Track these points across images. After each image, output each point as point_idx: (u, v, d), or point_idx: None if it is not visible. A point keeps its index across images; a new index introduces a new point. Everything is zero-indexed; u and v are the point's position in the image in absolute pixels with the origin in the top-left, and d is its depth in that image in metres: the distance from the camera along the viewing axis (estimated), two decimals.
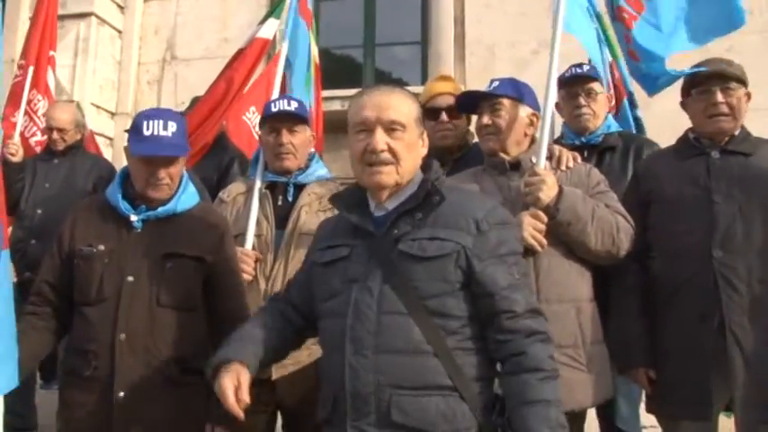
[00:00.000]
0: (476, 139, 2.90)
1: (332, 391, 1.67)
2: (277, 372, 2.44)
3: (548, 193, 2.27)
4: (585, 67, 2.99)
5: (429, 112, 2.84)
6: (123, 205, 2.22)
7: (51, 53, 4.24)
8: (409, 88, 5.43)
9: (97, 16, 6.05)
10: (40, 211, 3.64)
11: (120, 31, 6.32)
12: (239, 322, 2.15)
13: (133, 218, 2.20)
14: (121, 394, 2.09)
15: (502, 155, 2.45)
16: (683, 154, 2.48)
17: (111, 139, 6.13)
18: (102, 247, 2.18)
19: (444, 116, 2.88)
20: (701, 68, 2.47)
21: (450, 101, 2.87)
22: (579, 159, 2.54)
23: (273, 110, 2.61)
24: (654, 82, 2.86)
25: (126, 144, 2.26)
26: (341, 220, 1.84)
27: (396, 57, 6.68)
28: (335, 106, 5.70)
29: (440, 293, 1.64)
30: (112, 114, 6.19)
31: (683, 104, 2.54)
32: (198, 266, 2.23)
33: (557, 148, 2.58)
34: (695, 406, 2.23)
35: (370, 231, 1.72)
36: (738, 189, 2.31)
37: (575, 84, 2.92)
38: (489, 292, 1.65)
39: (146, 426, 2.11)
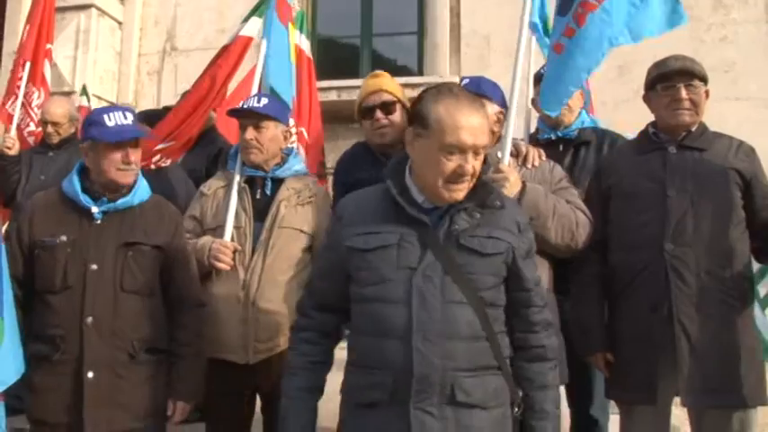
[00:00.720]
0: None
1: (390, 375, 1.75)
2: (255, 357, 2.57)
3: (511, 190, 2.36)
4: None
5: (364, 112, 2.90)
6: (84, 198, 2.36)
7: (48, 46, 4.34)
8: (405, 79, 5.51)
9: (97, 8, 6.12)
10: None
11: (120, 23, 6.40)
12: (194, 308, 2.44)
13: (94, 209, 2.36)
14: (90, 374, 2.25)
15: None
16: (642, 148, 2.57)
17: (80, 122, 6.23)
18: (63, 238, 2.33)
19: (379, 113, 2.85)
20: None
21: (384, 97, 2.87)
22: (545, 157, 2.62)
23: (243, 106, 2.73)
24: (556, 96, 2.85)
25: (83, 144, 2.44)
26: (372, 203, 1.89)
27: (393, 47, 6.72)
28: (332, 97, 5.77)
29: (492, 286, 1.81)
30: (113, 105, 6.29)
31: (646, 98, 2.62)
32: (156, 255, 2.40)
33: (524, 145, 2.66)
34: (644, 391, 2.33)
35: (424, 222, 1.81)
36: (691, 183, 2.40)
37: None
38: (526, 288, 1.85)
39: (115, 402, 2.28)
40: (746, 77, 5.31)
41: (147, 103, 6.40)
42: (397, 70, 6.66)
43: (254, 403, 2.77)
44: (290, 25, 3.41)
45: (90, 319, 2.27)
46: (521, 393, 1.84)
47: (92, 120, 2.45)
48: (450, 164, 1.77)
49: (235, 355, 2.56)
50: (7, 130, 3.90)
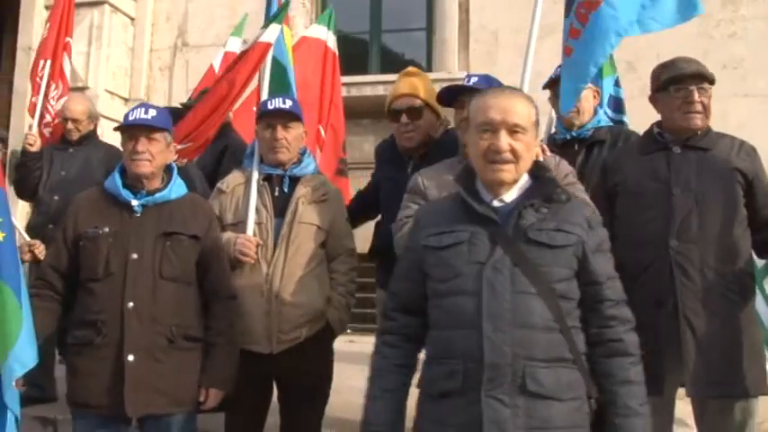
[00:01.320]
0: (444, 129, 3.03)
1: (461, 364, 1.81)
2: (278, 347, 2.66)
3: None
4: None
5: (391, 114, 2.97)
6: (124, 192, 2.50)
7: (67, 39, 4.42)
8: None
9: (110, 4, 6.21)
10: (57, 198, 3.86)
11: (132, 19, 6.48)
12: (227, 299, 2.54)
13: (134, 203, 2.50)
14: (131, 357, 2.36)
15: None
16: (647, 148, 2.63)
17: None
18: (106, 229, 2.47)
19: (405, 118, 2.92)
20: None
21: (411, 102, 2.93)
22: (549, 152, 2.67)
23: (270, 107, 2.82)
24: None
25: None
26: (447, 207, 2.00)
27: (402, 43, 6.78)
28: (342, 92, 5.84)
29: (563, 278, 1.84)
30: (126, 100, 6.37)
31: (653, 99, 2.67)
32: (193, 244, 2.51)
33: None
34: (651, 383, 2.39)
35: (493, 219, 1.88)
36: (696, 182, 2.47)
37: (556, 84, 3.05)
38: (597, 281, 1.87)
39: (153, 385, 2.39)
40: (755, 74, 5.36)
41: (159, 99, 6.49)
42: (405, 66, 6.70)
43: (271, 390, 2.85)
44: (285, 26, 3.49)
45: (131, 305, 2.38)
46: (597, 390, 1.85)
47: (124, 116, 2.58)
48: (484, 142, 1.88)
49: (259, 345, 2.65)
50: (30, 127, 4.00)
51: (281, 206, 2.77)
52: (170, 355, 2.42)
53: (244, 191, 2.83)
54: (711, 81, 2.57)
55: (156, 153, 2.50)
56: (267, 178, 2.83)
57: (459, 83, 2.82)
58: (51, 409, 3.62)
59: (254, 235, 2.74)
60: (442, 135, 3.04)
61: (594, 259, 1.88)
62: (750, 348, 2.42)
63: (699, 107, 2.52)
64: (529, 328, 1.79)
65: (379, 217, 3.18)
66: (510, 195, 1.92)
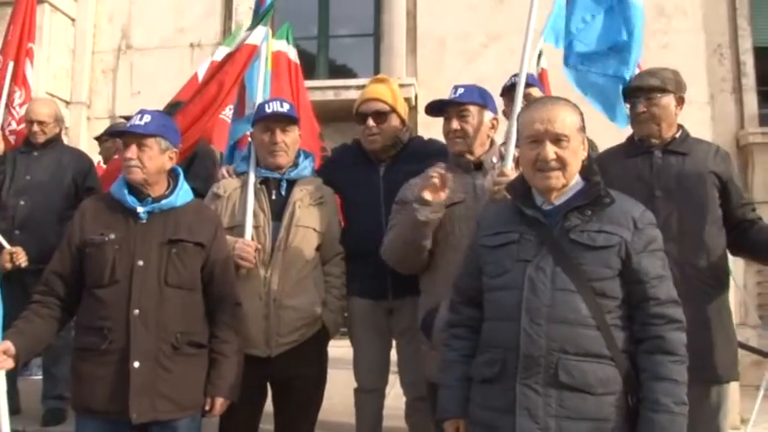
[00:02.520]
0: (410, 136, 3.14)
1: (501, 354, 1.94)
2: (276, 350, 2.69)
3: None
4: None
5: (358, 117, 3.06)
6: (130, 199, 2.48)
7: (30, 45, 4.26)
8: (361, 81, 5.68)
9: (50, 3, 5.98)
10: (22, 203, 3.74)
11: (73, 19, 6.27)
12: (232, 306, 2.54)
13: (140, 209, 2.47)
14: (136, 364, 2.35)
15: (468, 156, 2.71)
16: (630, 152, 2.83)
17: (66, 127, 6.11)
18: (112, 236, 2.44)
19: (370, 122, 3.00)
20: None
21: (377, 106, 3.02)
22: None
23: (268, 111, 2.83)
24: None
25: None
26: (504, 210, 2.13)
27: (349, 49, 6.86)
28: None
29: (603, 277, 1.93)
30: (67, 103, 6.15)
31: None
32: (198, 252, 2.51)
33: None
34: None
35: (541, 221, 2.00)
36: (675, 185, 2.68)
37: (511, 91, 3.23)
38: (641, 280, 1.95)
39: (158, 392, 2.38)
40: (687, 82, 5.75)
41: (102, 102, 6.32)
42: (353, 72, 6.83)
43: (266, 393, 2.87)
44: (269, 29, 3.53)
45: (136, 312, 2.36)
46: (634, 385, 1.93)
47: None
48: (532, 153, 2.02)
49: (258, 349, 2.67)
50: None
51: (278, 210, 2.79)
52: (175, 362, 2.41)
53: (240, 195, 2.84)
54: (660, 89, 2.77)
55: (147, 159, 2.47)
56: (264, 181, 2.85)
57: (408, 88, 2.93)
58: (18, 420, 3.49)
59: (252, 239, 2.76)
60: (410, 140, 3.15)
61: (640, 258, 1.97)
62: (724, 336, 2.64)
63: (645, 116, 2.75)
64: (566, 323, 1.91)
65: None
66: (560, 199, 2.05)
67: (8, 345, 2.32)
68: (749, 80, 6.66)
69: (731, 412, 2.66)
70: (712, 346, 2.60)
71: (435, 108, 2.80)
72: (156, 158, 2.49)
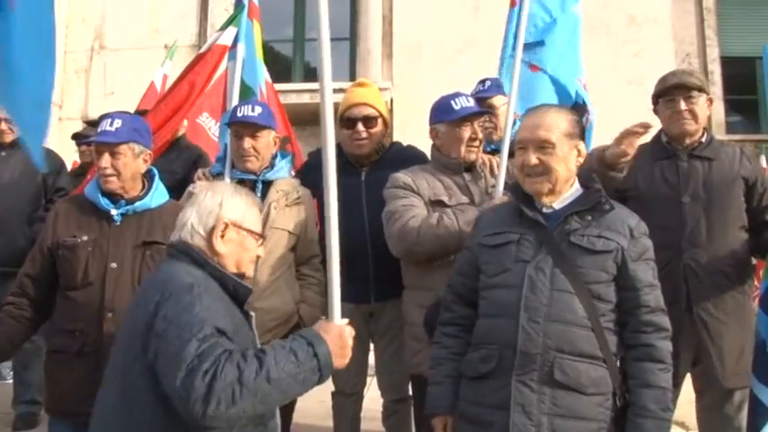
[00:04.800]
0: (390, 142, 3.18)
1: (497, 350, 1.97)
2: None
3: None
4: (488, 83, 3.28)
5: (346, 122, 3.03)
6: (103, 201, 2.45)
7: None
8: (336, 84, 5.70)
9: None
10: None
11: None
12: None
13: (113, 212, 2.45)
14: None
15: (457, 159, 2.72)
16: (656, 155, 2.80)
17: None
18: (85, 238, 2.42)
19: (360, 126, 2.98)
20: None
21: (366, 111, 3.01)
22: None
23: (238, 115, 2.81)
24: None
25: None
26: (502, 211, 2.18)
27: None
28: None
29: (600, 281, 1.98)
30: None
31: (655, 111, 2.88)
32: None
33: (488, 157, 2.89)
34: None
35: (541, 223, 2.04)
36: (703, 191, 2.68)
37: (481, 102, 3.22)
38: (635, 287, 2.00)
39: None
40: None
41: (75, 103, 6.25)
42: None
43: None
44: (255, 21, 3.52)
45: (110, 315, 2.35)
46: (621, 388, 1.97)
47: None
48: (520, 158, 2.09)
49: None
50: None
51: None
52: None
53: None
54: (699, 89, 2.78)
55: (122, 167, 2.45)
56: (239, 183, 2.82)
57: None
58: None
59: None
60: (390, 145, 3.18)
61: (635, 267, 2.02)
62: (750, 341, 2.63)
63: (686, 114, 2.74)
64: (563, 323, 1.95)
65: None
66: (559, 203, 2.09)
67: None
68: (716, 89, 6.82)
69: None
70: (737, 350, 2.64)
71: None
72: (130, 165, 2.47)
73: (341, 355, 1.76)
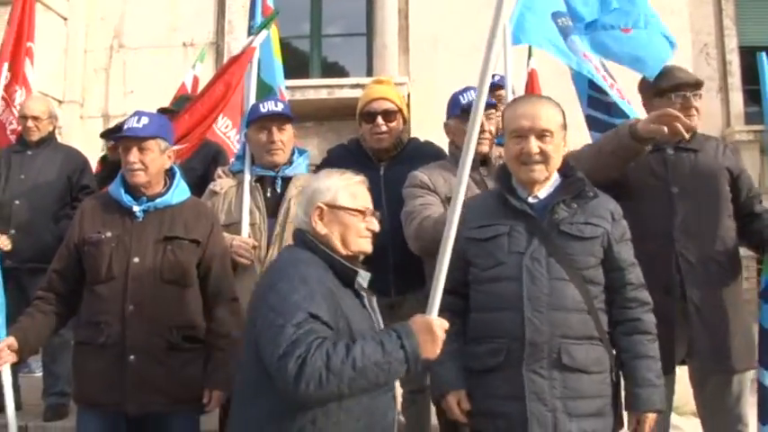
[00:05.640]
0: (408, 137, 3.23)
1: (506, 343, 2.04)
2: None
3: None
4: (497, 77, 3.21)
5: (366, 116, 3.11)
6: (126, 198, 2.54)
7: (29, 44, 4.29)
8: (354, 80, 5.73)
9: (42, 3, 5.93)
10: (17, 202, 3.77)
11: (65, 18, 6.27)
12: (229, 302, 2.59)
13: (136, 208, 2.53)
14: (132, 358, 2.42)
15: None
16: None
17: (59, 127, 6.12)
18: (109, 234, 2.51)
19: (380, 120, 3.07)
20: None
21: (386, 105, 3.10)
22: None
23: (263, 111, 2.89)
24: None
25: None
26: (486, 203, 2.22)
27: (342, 48, 6.90)
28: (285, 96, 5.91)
29: (591, 266, 2.09)
30: (60, 102, 6.15)
31: (648, 104, 2.89)
32: (194, 249, 2.56)
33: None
34: (662, 362, 2.56)
35: (530, 214, 2.11)
36: (691, 182, 2.72)
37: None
38: (620, 267, 2.13)
39: (154, 385, 2.44)
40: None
41: (96, 100, 6.34)
42: (346, 70, 6.87)
43: None
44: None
45: (132, 307, 2.43)
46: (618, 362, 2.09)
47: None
48: (517, 147, 2.13)
49: None
50: None
51: (273, 207, 2.85)
52: (170, 356, 2.47)
53: (236, 193, 2.90)
54: (701, 85, 2.86)
55: (149, 162, 2.53)
56: (259, 179, 2.91)
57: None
58: (20, 416, 3.51)
59: (248, 236, 2.81)
60: (408, 141, 3.26)
61: (618, 248, 2.14)
62: (742, 326, 2.73)
63: (694, 111, 2.79)
64: (563, 309, 2.03)
65: None
66: (543, 192, 2.15)
67: (11, 340, 2.40)
68: (735, 79, 6.75)
69: (749, 406, 2.75)
70: (733, 336, 2.69)
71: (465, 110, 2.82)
72: (156, 160, 2.55)
73: (431, 347, 1.84)
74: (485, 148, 2.79)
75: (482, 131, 2.75)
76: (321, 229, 1.97)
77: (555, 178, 2.19)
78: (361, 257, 2.05)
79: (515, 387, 2.01)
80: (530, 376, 2.01)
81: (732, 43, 6.87)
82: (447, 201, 2.68)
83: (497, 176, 2.25)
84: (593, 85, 3.17)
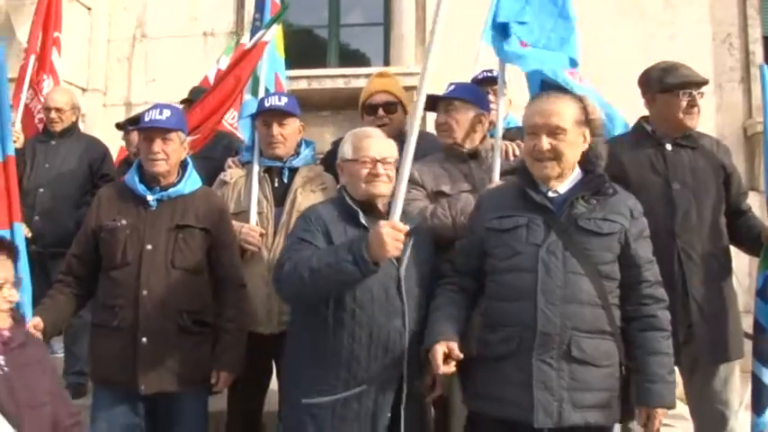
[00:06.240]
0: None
1: (518, 332, 2.09)
2: (278, 327, 2.84)
3: None
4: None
5: (368, 108, 3.21)
6: (140, 187, 2.66)
7: (56, 34, 4.44)
8: (370, 69, 5.76)
9: None
10: (42, 190, 3.94)
11: (89, 8, 6.41)
12: (237, 287, 2.70)
13: (149, 197, 2.65)
14: (144, 340, 2.55)
15: (460, 147, 2.85)
16: (640, 143, 2.88)
17: (83, 114, 6.27)
18: (124, 222, 2.63)
19: (381, 112, 3.19)
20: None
21: (387, 98, 3.21)
22: (518, 151, 2.94)
23: (266, 105, 3.00)
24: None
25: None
26: (506, 195, 2.27)
27: (360, 38, 6.95)
28: (302, 85, 5.99)
29: (607, 261, 2.13)
30: (83, 90, 6.31)
31: (651, 99, 2.90)
32: (204, 237, 2.68)
33: (503, 143, 2.97)
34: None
35: (549, 208, 2.15)
36: (690, 177, 2.78)
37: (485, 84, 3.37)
38: (637, 264, 2.16)
39: (165, 367, 2.57)
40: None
41: (118, 90, 6.48)
42: (363, 60, 6.92)
43: (272, 371, 3.03)
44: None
45: (145, 292, 2.56)
46: (629, 359, 2.13)
47: (140, 117, 2.73)
48: (530, 143, 2.19)
49: (262, 326, 2.84)
50: (13, 123, 4.01)
51: (280, 196, 2.96)
52: (181, 339, 2.60)
53: (245, 182, 3.01)
54: (706, 84, 2.89)
55: (171, 152, 2.66)
56: (267, 170, 3.01)
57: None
58: None
59: (256, 224, 2.92)
60: None
61: (636, 245, 2.17)
62: (733, 318, 2.80)
63: (697, 110, 2.84)
64: (577, 303, 2.08)
65: None
66: (563, 187, 2.20)
67: (38, 320, 2.52)
68: (758, 70, 6.66)
69: (735, 392, 2.82)
70: (726, 328, 2.76)
71: (428, 103, 2.91)
72: (177, 150, 2.68)
73: (378, 249, 2.08)
74: (444, 140, 2.85)
75: (440, 124, 2.84)
76: (342, 180, 2.47)
77: (576, 173, 2.23)
78: (379, 199, 2.38)
79: (525, 375, 2.07)
80: (539, 365, 2.06)
81: (756, 33, 6.76)
82: (434, 194, 2.76)
83: (519, 170, 2.30)
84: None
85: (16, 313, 2.24)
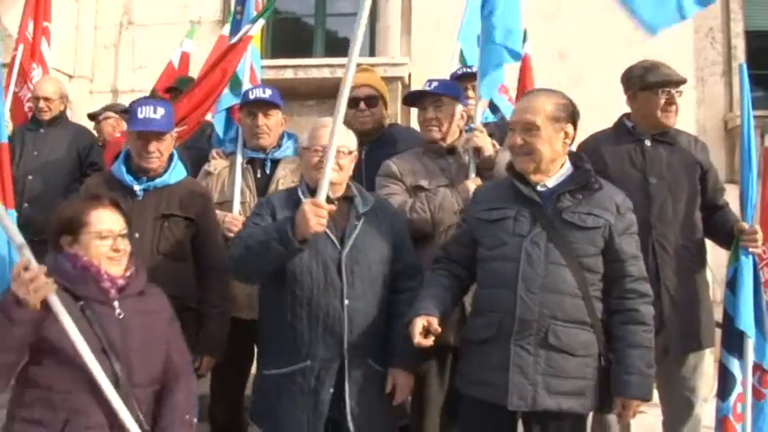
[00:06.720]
0: (389, 123, 3.41)
1: (499, 317, 2.18)
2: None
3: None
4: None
5: (349, 101, 3.17)
6: (128, 178, 2.73)
7: (45, 24, 4.47)
8: (357, 59, 5.74)
9: None
10: (30, 178, 4.01)
11: None
12: (221, 273, 2.77)
13: (136, 187, 2.73)
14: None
15: (440, 142, 2.93)
16: (620, 139, 2.99)
17: (70, 101, 6.28)
18: None
19: (363, 105, 3.28)
20: None
21: (368, 91, 3.31)
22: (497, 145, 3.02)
23: (251, 97, 3.06)
24: None
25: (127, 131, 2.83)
26: (499, 188, 2.36)
27: (346, 27, 6.96)
28: (288, 74, 6.02)
29: (590, 254, 2.20)
30: (70, 77, 6.32)
31: (632, 96, 2.99)
32: (188, 225, 2.76)
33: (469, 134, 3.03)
34: None
35: (536, 201, 2.24)
36: (668, 173, 2.88)
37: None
38: (621, 259, 2.23)
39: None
40: (674, 66, 5.87)
41: (105, 76, 6.49)
42: (348, 50, 6.92)
43: (253, 355, 3.09)
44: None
45: None
46: (610, 351, 2.20)
47: (130, 109, 2.83)
48: (511, 139, 2.30)
49: (243, 312, 2.92)
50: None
51: (262, 187, 3.05)
52: None
53: (229, 173, 3.09)
54: (684, 83, 2.98)
55: (165, 150, 2.76)
56: (250, 161, 3.09)
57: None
58: None
59: (240, 213, 2.99)
60: (389, 126, 3.45)
61: (620, 240, 2.24)
62: (706, 309, 2.91)
63: (675, 108, 2.93)
64: (556, 293, 2.16)
65: None
66: (552, 181, 2.29)
67: None
68: (739, 63, 6.75)
69: (705, 381, 2.95)
70: (697, 318, 2.87)
71: (412, 99, 3.04)
72: (169, 147, 2.78)
73: (303, 226, 2.22)
74: (433, 135, 2.92)
75: (428, 119, 2.90)
76: (301, 169, 2.63)
77: (567, 168, 2.31)
78: (336, 188, 2.46)
79: (503, 359, 2.16)
80: (516, 350, 2.15)
81: (738, 27, 6.85)
82: (413, 189, 2.84)
83: (509, 165, 2.38)
84: None
85: (140, 263, 2.32)
